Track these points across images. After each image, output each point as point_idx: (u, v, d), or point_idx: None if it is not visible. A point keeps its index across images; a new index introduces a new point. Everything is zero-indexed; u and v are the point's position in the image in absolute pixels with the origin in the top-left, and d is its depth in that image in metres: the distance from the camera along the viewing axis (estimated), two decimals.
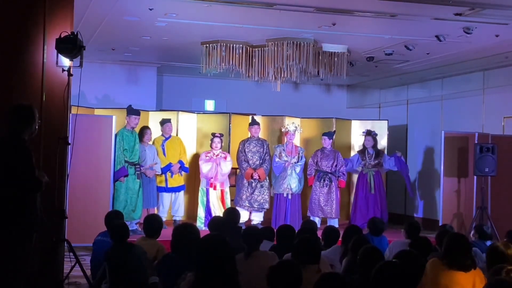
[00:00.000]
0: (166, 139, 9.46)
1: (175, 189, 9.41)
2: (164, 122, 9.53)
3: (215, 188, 9.17)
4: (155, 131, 9.57)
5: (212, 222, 6.10)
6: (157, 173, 9.22)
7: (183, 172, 9.46)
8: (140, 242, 5.51)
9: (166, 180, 9.31)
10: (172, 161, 9.30)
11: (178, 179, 9.40)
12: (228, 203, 9.21)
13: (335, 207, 9.51)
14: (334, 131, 10.38)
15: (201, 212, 9.22)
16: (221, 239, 3.39)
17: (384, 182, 10.26)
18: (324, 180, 9.56)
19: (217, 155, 9.23)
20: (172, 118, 10.26)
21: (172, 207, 9.49)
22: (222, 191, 9.25)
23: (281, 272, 3.46)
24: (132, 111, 8.75)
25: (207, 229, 7.80)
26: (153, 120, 10.04)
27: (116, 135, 8.47)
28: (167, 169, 9.25)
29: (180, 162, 9.37)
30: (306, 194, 9.93)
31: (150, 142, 9.19)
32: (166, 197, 9.39)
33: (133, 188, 8.51)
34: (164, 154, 9.33)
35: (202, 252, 3.33)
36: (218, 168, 9.14)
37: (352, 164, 10.04)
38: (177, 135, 10.22)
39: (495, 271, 3.81)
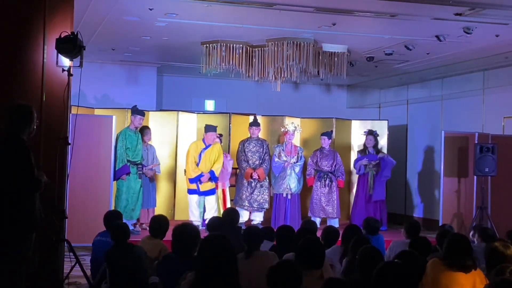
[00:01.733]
0: (207, 147, 8.99)
1: (205, 193, 9.00)
2: (208, 130, 9.02)
3: (217, 188, 9.15)
4: (155, 131, 9.56)
5: (211, 222, 6.10)
6: (157, 173, 9.21)
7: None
8: (144, 242, 5.53)
9: (197, 184, 8.94)
10: (204, 171, 8.88)
11: (208, 184, 8.98)
12: (228, 203, 9.20)
13: (336, 207, 9.52)
14: (332, 130, 10.37)
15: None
16: (223, 239, 3.39)
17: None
18: (325, 180, 9.56)
19: None
20: (172, 118, 10.28)
21: (203, 210, 9.11)
22: (223, 191, 9.24)
23: (281, 272, 3.46)
24: (137, 112, 8.72)
25: (204, 229, 7.80)
26: (153, 120, 10.04)
27: (119, 134, 8.47)
28: (196, 179, 8.89)
29: (211, 172, 8.89)
30: (305, 194, 9.92)
31: (150, 142, 9.17)
32: (193, 198, 9.02)
33: (134, 188, 8.50)
34: (198, 163, 8.91)
35: (203, 252, 3.33)
36: (223, 168, 9.11)
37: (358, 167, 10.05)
38: (177, 135, 10.21)
39: (498, 271, 3.80)
